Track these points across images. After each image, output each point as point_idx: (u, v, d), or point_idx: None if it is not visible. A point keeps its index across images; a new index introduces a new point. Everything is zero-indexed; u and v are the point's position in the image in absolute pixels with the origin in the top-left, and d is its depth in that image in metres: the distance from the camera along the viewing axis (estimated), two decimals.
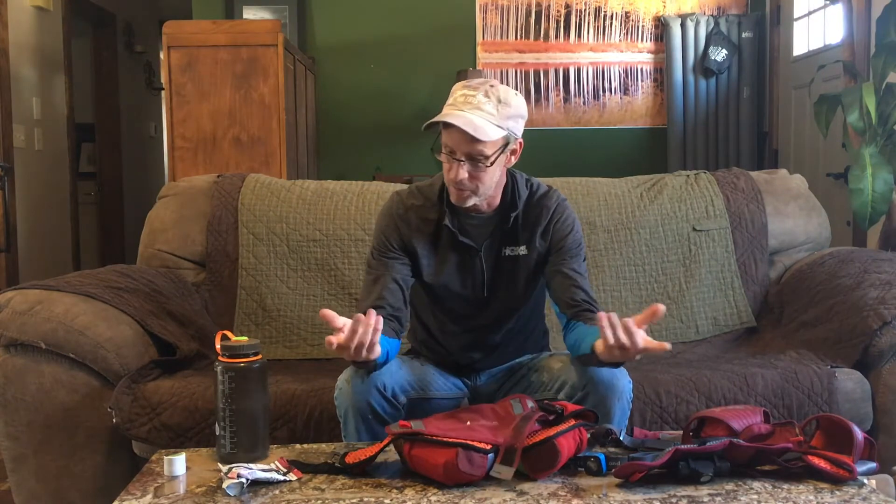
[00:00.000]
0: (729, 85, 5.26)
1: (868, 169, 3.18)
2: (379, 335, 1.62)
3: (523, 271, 1.99)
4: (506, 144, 1.85)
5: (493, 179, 1.88)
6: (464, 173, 1.83)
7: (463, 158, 1.82)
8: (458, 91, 1.84)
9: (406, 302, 1.95)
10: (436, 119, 1.80)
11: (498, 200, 1.96)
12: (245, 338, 1.68)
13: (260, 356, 1.65)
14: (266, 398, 1.68)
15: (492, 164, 1.83)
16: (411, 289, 2.01)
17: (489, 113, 1.80)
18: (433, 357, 2.10)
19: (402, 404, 1.88)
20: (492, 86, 1.84)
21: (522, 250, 1.97)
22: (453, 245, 1.97)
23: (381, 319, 1.63)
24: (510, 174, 1.98)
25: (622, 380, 1.84)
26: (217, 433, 1.63)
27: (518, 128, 1.87)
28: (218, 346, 1.64)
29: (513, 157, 1.91)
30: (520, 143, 1.90)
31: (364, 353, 1.61)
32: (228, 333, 1.68)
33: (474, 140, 1.79)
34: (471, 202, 1.89)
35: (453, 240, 1.96)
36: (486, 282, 1.98)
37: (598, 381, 1.80)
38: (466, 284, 1.99)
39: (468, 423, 1.59)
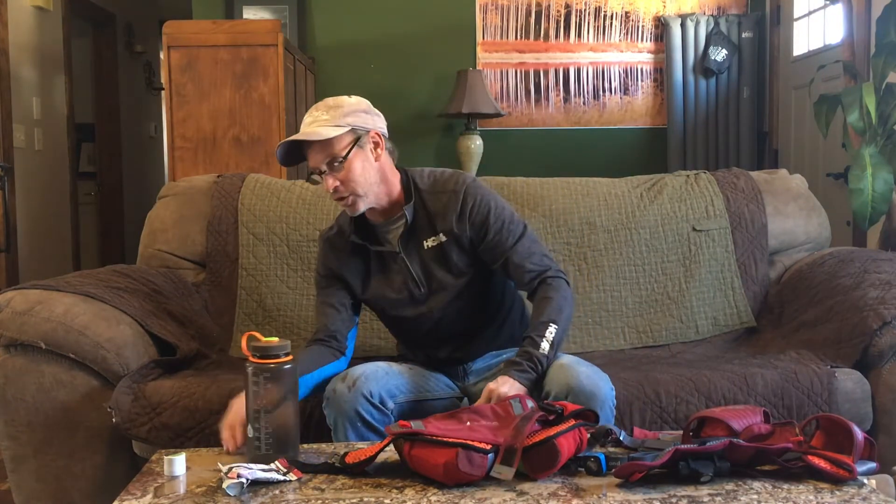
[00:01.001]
0: (729, 85, 5.26)
1: (868, 169, 3.18)
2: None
3: (452, 256, 2.01)
4: (356, 139, 1.92)
5: (364, 176, 1.94)
6: (333, 182, 1.92)
7: (325, 169, 1.91)
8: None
9: (345, 321, 2.04)
10: (279, 146, 1.92)
11: (395, 197, 2.01)
12: (275, 338, 1.67)
13: (291, 356, 1.65)
14: (297, 397, 1.68)
15: (347, 159, 1.90)
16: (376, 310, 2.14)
17: (322, 120, 1.90)
18: (418, 358, 2.13)
19: (391, 409, 1.91)
20: (325, 100, 1.95)
21: (442, 237, 2.01)
22: (373, 257, 2.04)
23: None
24: (403, 171, 2.04)
25: (604, 388, 1.86)
26: (250, 435, 1.62)
27: (363, 122, 1.93)
28: (245, 348, 1.63)
29: (378, 150, 1.96)
30: (376, 133, 1.95)
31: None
32: (256, 334, 1.67)
33: (320, 147, 1.90)
34: (362, 206, 1.96)
35: (369, 252, 2.03)
36: (418, 279, 2.02)
37: (580, 391, 1.81)
38: (402, 289, 2.04)
39: (468, 423, 1.60)
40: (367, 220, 2.04)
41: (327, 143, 1.90)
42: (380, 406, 1.88)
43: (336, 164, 1.91)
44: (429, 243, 2.01)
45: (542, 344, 1.87)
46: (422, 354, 2.13)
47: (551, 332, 1.88)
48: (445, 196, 2.01)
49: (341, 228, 2.08)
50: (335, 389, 1.89)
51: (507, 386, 1.79)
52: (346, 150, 1.91)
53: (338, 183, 1.92)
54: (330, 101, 1.95)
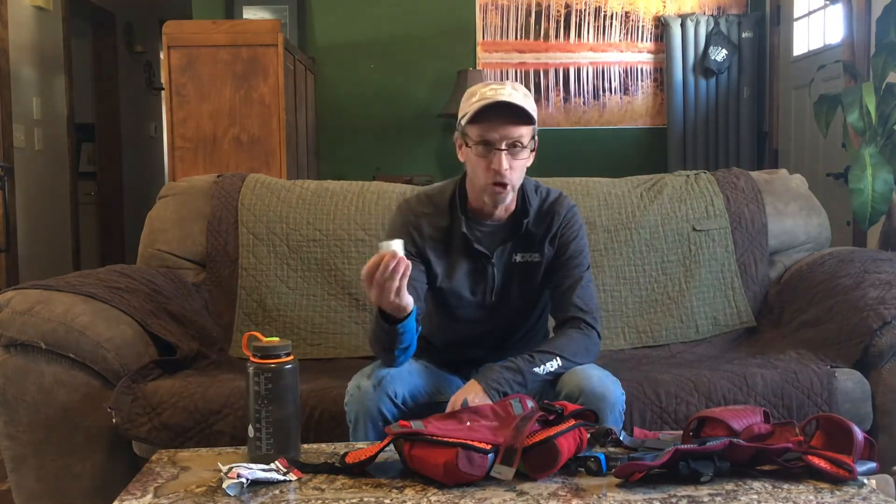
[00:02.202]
0: (729, 85, 5.26)
1: (868, 169, 3.18)
2: (405, 280, 1.67)
3: (534, 278, 2.01)
4: (533, 136, 1.90)
5: (524, 172, 1.92)
6: (508, 163, 1.86)
7: (504, 148, 1.85)
8: (483, 88, 1.87)
9: (421, 307, 1.96)
10: (487, 103, 1.82)
11: (514, 206, 1.98)
12: (276, 338, 1.67)
13: (292, 356, 1.65)
14: (298, 397, 1.67)
15: (530, 150, 1.88)
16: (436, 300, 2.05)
17: (522, 100, 1.86)
18: (438, 357, 2.11)
19: (413, 410, 1.89)
20: (513, 83, 1.90)
21: (535, 257, 2.00)
22: (466, 252, 1.99)
23: (408, 265, 1.66)
24: None
25: (615, 391, 1.86)
26: (251, 435, 1.62)
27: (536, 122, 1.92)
28: (246, 348, 1.63)
29: (533, 154, 1.94)
30: (536, 140, 1.94)
31: (392, 296, 1.67)
32: (257, 334, 1.67)
33: (519, 123, 1.84)
34: (508, 198, 1.93)
35: (467, 247, 1.98)
36: (495, 288, 2.00)
37: (591, 393, 1.82)
38: (477, 291, 2.02)
39: (468, 423, 1.59)
40: (472, 213, 1.99)
41: (524, 125, 1.85)
42: (402, 407, 1.87)
43: (519, 150, 1.87)
44: (517, 258, 2.00)
45: (535, 368, 1.85)
46: (444, 351, 2.10)
47: (553, 364, 1.87)
48: (550, 216, 2.00)
49: (440, 209, 2.00)
50: (359, 386, 1.86)
51: (471, 396, 1.79)
52: (531, 143, 1.89)
53: (509, 166, 1.86)
54: (521, 87, 1.89)
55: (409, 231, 1.99)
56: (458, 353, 2.09)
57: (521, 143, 1.87)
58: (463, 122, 1.89)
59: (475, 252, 1.98)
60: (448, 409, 1.77)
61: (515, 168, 1.88)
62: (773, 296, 2.67)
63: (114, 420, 2.10)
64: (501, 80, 1.99)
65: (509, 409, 1.64)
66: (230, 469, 1.50)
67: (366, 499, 1.44)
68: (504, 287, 2.01)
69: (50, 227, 5.22)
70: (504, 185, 1.88)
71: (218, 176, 2.87)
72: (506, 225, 1.99)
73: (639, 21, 5.29)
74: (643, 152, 5.33)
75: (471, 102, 1.88)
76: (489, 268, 1.99)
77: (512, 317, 2.05)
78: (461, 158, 1.96)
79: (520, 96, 1.86)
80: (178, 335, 2.34)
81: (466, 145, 1.91)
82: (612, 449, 1.65)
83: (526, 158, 1.90)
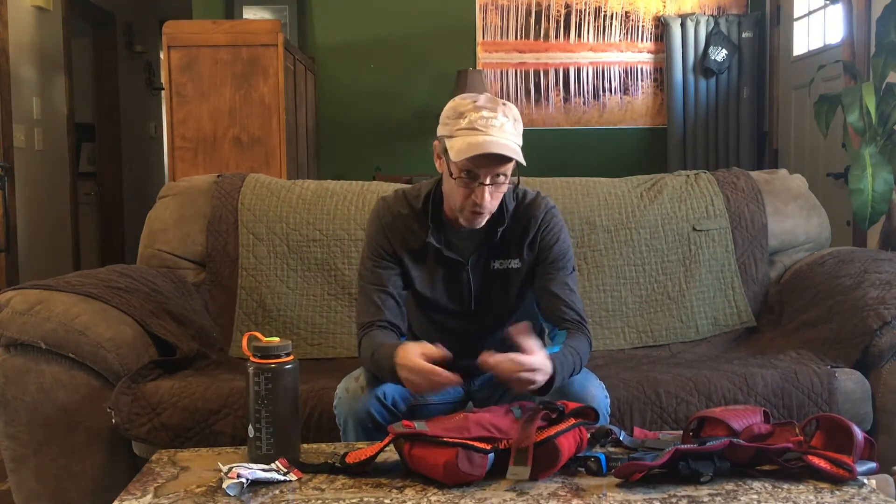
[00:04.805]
0: (729, 85, 5.26)
1: (868, 169, 3.18)
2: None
3: (515, 284, 1.97)
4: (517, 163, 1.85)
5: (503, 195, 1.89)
6: (489, 196, 1.82)
7: (488, 182, 1.81)
8: (474, 113, 1.79)
9: (403, 313, 1.95)
10: (480, 152, 1.76)
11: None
12: (276, 338, 1.67)
13: (292, 356, 1.65)
14: (298, 397, 1.67)
15: (509, 179, 1.84)
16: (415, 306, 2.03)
17: (511, 133, 1.80)
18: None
19: (402, 412, 1.88)
20: (504, 104, 1.83)
21: (515, 263, 1.95)
22: (439, 259, 1.96)
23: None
24: None
25: (598, 395, 1.84)
26: (251, 435, 1.62)
27: None
28: (246, 348, 1.63)
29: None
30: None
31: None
32: (257, 334, 1.67)
33: (505, 163, 1.79)
34: (484, 221, 1.88)
35: (439, 254, 1.95)
36: (473, 295, 1.97)
37: (574, 398, 1.76)
38: (454, 298, 1.99)
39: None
40: (447, 219, 1.94)
41: (510, 161, 1.80)
42: (391, 408, 1.86)
43: (502, 184, 1.83)
44: (496, 265, 1.95)
45: (560, 378, 1.79)
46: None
47: (569, 373, 1.83)
48: (526, 220, 1.95)
49: (415, 212, 1.95)
50: (347, 389, 1.86)
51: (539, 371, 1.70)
52: (513, 171, 1.84)
53: (490, 198, 1.82)
54: (514, 111, 1.84)
55: (384, 231, 1.95)
56: (452, 362, 2.07)
57: (505, 176, 1.82)
58: (447, 145, 1.81)
59: (448, 259, 1.94)
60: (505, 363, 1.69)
61: (496, 197, 1.85)
62: (773, 296, 2.68)
63: (113, 420, 2.10)
64: (495, 97, 1.89)
65: (510, 414, 1.63)
66: (230, 469, 1.50)
67: (366, 499, 1.44)
68: (483, 294, 1.97)
69: (50, 227, 5.22)
70: (481, 213, 1.85)
71: (218, 176, 2.87)
72: (481, 231, 1.93)
73: (639, 21, 5.29)
74: (643, 152, 5.33)
75: (459, 126, 1.79)
76: (464, 275, 1.96)
77: (496, 324, 2.00)
78: (438, 168, 1.90)
79: (510, 126, 1.79)
80: (178, 335, 2.34)
81: (449, 168, 1.84)
82: (612, 449, 1.65)
83: (506, 187, 1.86)
